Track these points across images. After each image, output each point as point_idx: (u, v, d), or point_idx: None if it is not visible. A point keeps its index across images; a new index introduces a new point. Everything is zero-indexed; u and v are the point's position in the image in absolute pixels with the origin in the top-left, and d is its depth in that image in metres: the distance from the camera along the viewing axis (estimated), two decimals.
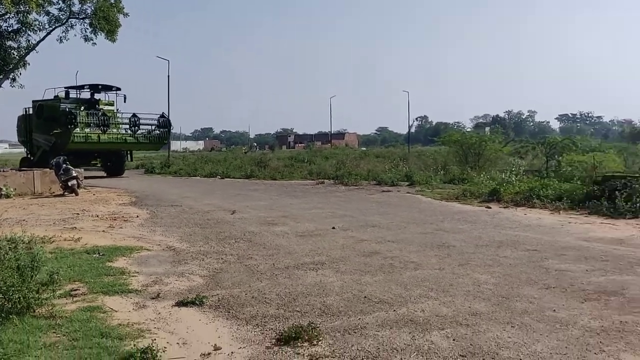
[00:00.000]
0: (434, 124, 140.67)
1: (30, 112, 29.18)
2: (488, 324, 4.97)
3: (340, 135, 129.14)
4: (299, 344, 4.54)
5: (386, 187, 19.18)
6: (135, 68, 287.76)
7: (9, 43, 28.94)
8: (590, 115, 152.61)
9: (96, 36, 28.62)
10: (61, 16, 28.67)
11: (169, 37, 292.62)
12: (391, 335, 4.75)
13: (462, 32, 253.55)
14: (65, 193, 18.02)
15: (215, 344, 4.60)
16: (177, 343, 4.69)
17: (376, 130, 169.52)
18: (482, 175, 18.68)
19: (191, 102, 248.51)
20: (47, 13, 28.58)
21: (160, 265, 7.63)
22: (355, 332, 4.82)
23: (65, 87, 27.85)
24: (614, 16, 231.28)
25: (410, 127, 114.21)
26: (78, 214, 13.20)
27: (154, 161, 40.37)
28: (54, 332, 4.84)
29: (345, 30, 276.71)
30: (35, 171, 19.86)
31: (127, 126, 28.48)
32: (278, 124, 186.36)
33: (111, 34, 27.92)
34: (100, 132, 27.18)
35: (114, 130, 28.24)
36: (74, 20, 28.86)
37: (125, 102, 30.50)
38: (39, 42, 29.04)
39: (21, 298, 5.19)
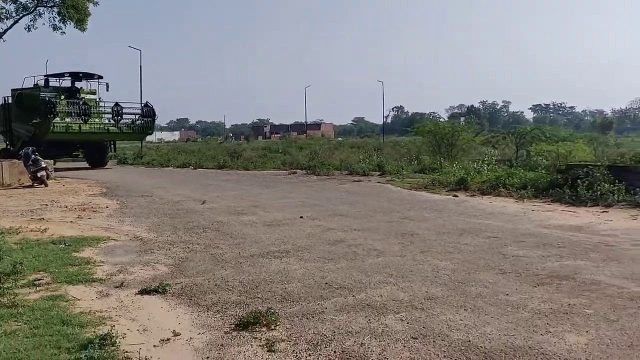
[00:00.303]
0: (410, 114, 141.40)
1: (10, 101, 28.12)
2: (442, 308, 5.14)
3: (317, 125, 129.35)
4: (257, 328, 4.66)
5: (357, 177, 19.36)
6: (109, 58, 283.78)
7: None
8: (563, 105, 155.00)
9: (65, 25, 28.26)
10: (29, 4, 28.26)
11: (144, 26, 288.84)
12: (348, 319, 4.89)
13: (438, 22, 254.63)
14: (35, 184, 17.84)
15: (175, 330, 4.70)
16: (137, 330, 4.77)
17: (352, 120, 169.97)
18: (454, 165, 18.98)
19: (167, 92, 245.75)
20: (15, 1, 28.18)
21: (127, 254, 7.67)
22: (313, 317, 4.95)
23: (45, 75, 26.85)
24: (589, 7, 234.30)
25: (385, 117, 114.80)
26: (46, 204, 13.12)
27: (127, 152, 40.02)
28: (14, 321, 4.89)
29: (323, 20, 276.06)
30: (3, 162, 19.61)
31: (110, 116, 27.50)
32: (254, 115, 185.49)
33: (80, 23, 27.63)
34: (81, 122, 26.00)
35: (96, 120, 27.08)
36: (42, 8, 28.49)
37: (107, 90, 29.41)
38: (5, 30, 28.71)
39: None
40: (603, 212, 10.55)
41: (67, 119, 25.93)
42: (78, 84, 28.38)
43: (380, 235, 8.70)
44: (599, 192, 11.33)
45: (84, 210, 12.27)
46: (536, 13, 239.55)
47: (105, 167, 29.34)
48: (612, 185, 11.38)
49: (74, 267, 6.92)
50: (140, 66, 40.40)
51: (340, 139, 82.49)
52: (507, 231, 8.84)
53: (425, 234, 8.75)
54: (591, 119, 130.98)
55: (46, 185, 17.68)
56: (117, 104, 27.00)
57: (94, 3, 27.71)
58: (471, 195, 13.48)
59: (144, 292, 5.81)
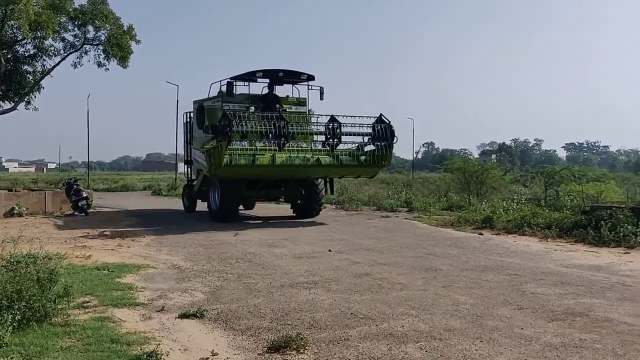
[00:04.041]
0: (440, 150, 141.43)
1: (191, 117, 20.33)
2: (459, 339, 5.51)
3: None
4: (287, 352, 5.12)
5: (385, 213, 19.73)
6: (146, 92, 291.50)
7: (25, 67, 29.92)
8: (597, 144, 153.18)
9: (109, 62, 29.56)
10: (76, 42, 29.67)
11: (179, 60, 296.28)
12: (371, 346, 5.30)
13: (470, 58, 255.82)
14: (75, 213, 18.70)
15: (213, 350, 5.18)
16: (179, 349, 5.27)
17: None
18: (483, 203, 19.27)
19: None
20: (63, 39, 29.62)
21: (165, 281, 8.22)
22: (339, 343, 5.38)
23: (230, 78, 17.41)
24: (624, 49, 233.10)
25: (415, 153, 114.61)
26: (88, 233, 13.83)
27: (161, 183, 41.09)
28: (69, 338, 5.42)
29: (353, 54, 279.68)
30: (46, 191, 20.68)
31: (324, 138, 16.71)
32: None
33: (123, 60, 28.86)
34: (274, 148, 15.63)
35: (302, 144, 16.91)
36: (88, 46, 29.87)
37: (322, 99, 18.41)
38: (54, 67, 30.02)
39: (40, 307, 5.78)
40: (625, 253, 10.76)
41: (254, 144, 15.87)
42: (279, 90, 18.77)
43: (405, 270, 9.09)
44: (621, 234, 11.53)
45: (123, 238, 12.93)
46: (562, 51, 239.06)
47: (138, 197, 29.67)
48: (635, 227, 11.57)
49: (117, 291, 7.49)
50: (177, 100, 41.55)
51: None
52: (528, 269, 9.15)
53: (448, 270, 9.11)
54: (626, 158, 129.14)
55: (86, 214, 18.50)
56: (332, 119, 16.29)
57: (136, 42, 28.99)
58: (496, 234, 13.76)
59: (183, 316, 6.31)
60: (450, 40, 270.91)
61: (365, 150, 16.99)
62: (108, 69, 29.98)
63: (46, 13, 25.79)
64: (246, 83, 18.15)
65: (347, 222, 16.63)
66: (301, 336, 5.34)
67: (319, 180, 17.87)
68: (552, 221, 13.66)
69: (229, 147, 14.87)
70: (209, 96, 18.51)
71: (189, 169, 21.00)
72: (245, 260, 10.02)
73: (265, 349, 5.24)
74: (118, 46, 28.19)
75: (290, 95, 18.67)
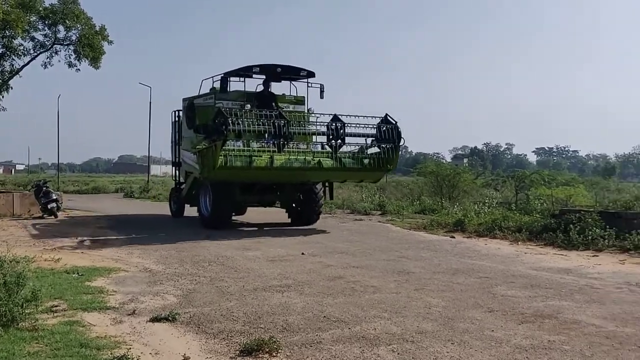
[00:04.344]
0: (414, 154, 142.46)
1: (180, 116, 18.70)
2: (431, 341, 5.56)
3: None
4: (260, 355, 5.10)
5: (359, 216, 19.81)
6: (118, 93, 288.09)
7: None
8: (566, 149, 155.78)
9: (80, 62, 29.14)
10: (46, 42, 29.20)
11: (151, 60, 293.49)
12: (343, 349, 5.31)
13: (444, 63, 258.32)
14: (45, 215, 18.37)
15: (185, 354, 5.13)
16: (150, 353, 5.21)
17: None
18: (455, 206, 19.47)
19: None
20: (32, 39, 29.11)
21: (137, 285, 8.13)
22: (311, 346, 5.38)
23: (224, 74, 15.99)
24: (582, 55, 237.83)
25: None
26: (57, 235, 13.60)
27: (134, 185, 40.65)
28: (37, 343, 5.32)
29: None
30: (14, 193, 20.29)
31: (326, 138, 15.23)
32: None
33: (95, 61, 28.46)
34: (273, 149, 14.34)
35: (301, 146, 15.63)
36: (58, 46, 29.41)
37: (322, 97, 16.88)
38: (23, 66, 29.47)
39: (7, 311, 5.67)
40: (593, 256, 10.96)
41: (247, 144, 14.67)
42: (275, 87, 17.21)
43: (378, 273, 9.13)
44: (590, 237, 11.75)
45: (93, 241, 12.75)
46: (529, 57, 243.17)
47: (110, 199, 29.41)
48: (602, 230, 11.79)
49: (87, 295, 7.39)
50: (150, 102, 41.09)
51: None
52: (499, 272, 9.26)
53: (421, 273, 9.18)
54: (594, 163, 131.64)
55: (56, 217, 18.19)
56: (336, 119, 14.91)
57: (109, 42, 28.62)
58: (468, 237, 13.90)
59: (154, 319, 6.24)
60: (430, 46, 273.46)
61: (369, 152, 15.49)
62: (79, 69, 29.56)
63: (15, 12, 25.33)
64: (241, 79, 16.84)
65: (321, 225, 16.62)
66: (274, 339, 5.33)
67: (319, 184, 16.69)
68: (522, 224, 13.87)
69: (224, 147, 13.57)
70: (200, 93, 17.17)
71: (177, 172, 19.63)
72: (218, 263, 9.96)
73: (238, 352, 5.22)
74: (90, 46, 27.79)
75: (288, 93, 17.28)
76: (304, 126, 15.94)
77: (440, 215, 17.66)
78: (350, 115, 15.01)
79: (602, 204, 13.34)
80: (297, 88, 17.34)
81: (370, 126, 15.08)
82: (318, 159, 14.94)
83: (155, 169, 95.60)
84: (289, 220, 17.15)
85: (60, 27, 28.89)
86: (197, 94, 17.22)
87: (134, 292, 7.65)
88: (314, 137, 16.14)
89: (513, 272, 9.31)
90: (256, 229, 15.92)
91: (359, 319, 6.36)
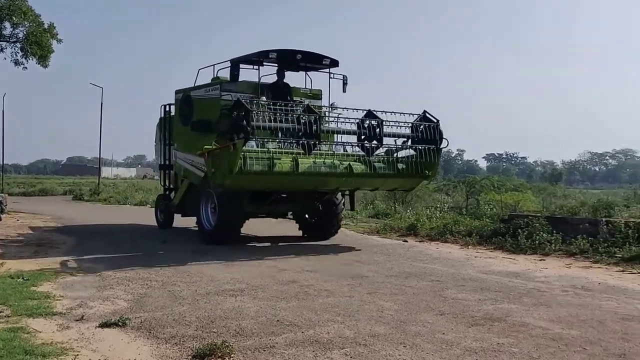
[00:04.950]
0: None
1: (172, 112, 15.89)
2: (383, 344, 5.60)
3: None
4: (212, 359, 5.04)
5: None
6: (67, 93, 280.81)
7: None
8: (515, 155, 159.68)
9: (27, 60, 28.23)
10: None
11: (104, 61, 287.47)
12: (297, 353, 5.31)
13: (393, 72, 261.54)
14: None
15: None
16: (99, 359, 5.09)
17: None
18: (408, 211, 19.74)
19: (122, 128, 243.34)
20: None
21: (86, 289, 7.93)
22: (265, 350, 5.35)
23: (232, 60, 13.31)
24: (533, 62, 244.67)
25: None
26: (2, 239, 13.17)
27: (83, 187, 39.72)
28: None
29: None
30: None
31: (356, 138, 12.87)
32: None
33: (43, 59, 27.59)
34: (296, 151, 12.10)
35: (325, 148, 12.92)
36: (4, 43, 28.42)
37: (344, 91, 14.09)
38: None
39: None
40: (540, 260, 11.26)
41: (266, 145, 12.40)
42: (289, 78, 14.27)
43: (331, 277, 9.16)
44: (537, 241, 12.07)
45: (40, 245, 12.38)
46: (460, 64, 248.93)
47: (57, 202, 28.63)
48: (550, 235, 12.14)
49: (33, 300, 7.15)
50: (102, 103, 40.15)
51: None
52: (450, 276, 9.42)
53: (374, 277, 9.25)
54: (542, 169, 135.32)
55: (0, 220, 17.60)
56: (370, 114, 12.63)
57: (57, 40, 27.81)
58: (420, 241, 14.10)
59: (104, 325, 6.10)
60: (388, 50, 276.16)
61: (400, 155, 13.12)
62: (26, 67, 28.57)
63: None
64: (252, 68, 13.45)
65: (275, 230, 16.57)
66: (227, 344, 5.28)
67: (339, 194, 14.23)
68: (472, 229, 14.15)
69: (243, 149, 11.15)
70: (198, 84, 14.41)
71: (166, 176, 16.35)
72: (170, 267, 9.81)
73: (190, 357, 5.15)
74: (37, 44, 26.91)
75: (303, 88, 14.41)
76: (336, 124, 12.96)
77: (393, 219, 17.88)
78: (385, 112, 12.64)
79: (549, 210, 13.71)
80: (312, 80, 14.52)
81: (405, 125, 12.78)
82: (348, 162, 12.40)
83: (107, 171, 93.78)
84: (304, 234, 14.76)
85: (6, 24, 27.89)
86: (194, 85, 14.52)
87: (83, 296, 7.46)
88: (335, 137, 13.30)
89: (463, 275, 9.49)
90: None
91: (313, 322, 6.36)
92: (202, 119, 13.58)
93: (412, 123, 12.85)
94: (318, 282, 8.72)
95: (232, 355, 5.14)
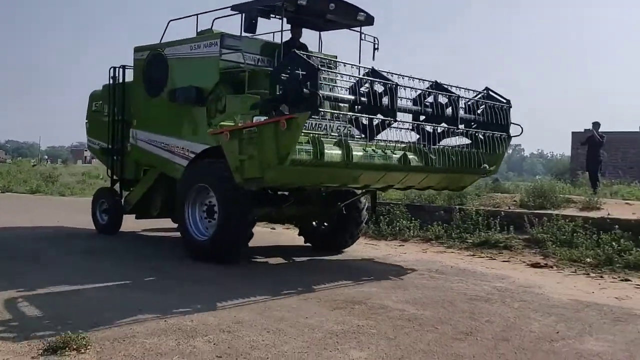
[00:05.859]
0: None
1: (123, 76, 11.83)
2: (248, 330, 5.63)
3: None
4: (66, 352, 4.79)
5: None
6: None
7: None
8: None
9: None
10: None
11: None
12: (158, 342, 5.19)
13: None
14: None
15: None
16: None
17: None
18: None
19: None
20: None
21: None
22: (124, 341, 5.18)
23: (231, 7, 9.43)
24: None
25: None
26: None
27: None
28: None
29: None
30: None
31: (410, 117, 9.23)
32: (74, 137, 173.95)
33: None
34: (342, 135, 8.46)
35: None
36: None
37: (373, 59, 10.46)
38: None
39: None
40: (400, 245, 11.86)
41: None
42: (305, 36, 10.55)
43: (199, 263, 9.04)
44: (397, 228, 12.68)
45: None
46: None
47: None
48: (409, 222, 12.79)
49: None
50: None
51: None
52: (315, 261, 9.67)
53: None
54: None
55: None
56: (438, 86, 9.21)
57: None
58: (287, 229, 14.24)
59: None
60: None
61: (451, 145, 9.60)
62: None
63: None
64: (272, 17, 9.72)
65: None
66: (82, 335, 5.03)
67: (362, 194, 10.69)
68: None
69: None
70: (171, 40, 10.53)
71: (116, 162, 12.08)
72: (25, 257, 9.20)
73: (41, 351, 4.85)
74: None
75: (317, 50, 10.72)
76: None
77: None
78: (450, 85, 9.37)
79: (409, 198, 14.37)
80: (324, 42, 10.87)
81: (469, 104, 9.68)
82: (402, 152, 8.84)
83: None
84: (312, 245, 11.25)
85: None
86: (170, 40, 10.58)
87: None
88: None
89: (328, 260, 9.77)
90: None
91: (176, 310, 6.25)
92: (186, 87, 9.83)
93: (476, 100, 9.69)
94: (188, 269, 8.55)
95: (89, 347, 4.91)
